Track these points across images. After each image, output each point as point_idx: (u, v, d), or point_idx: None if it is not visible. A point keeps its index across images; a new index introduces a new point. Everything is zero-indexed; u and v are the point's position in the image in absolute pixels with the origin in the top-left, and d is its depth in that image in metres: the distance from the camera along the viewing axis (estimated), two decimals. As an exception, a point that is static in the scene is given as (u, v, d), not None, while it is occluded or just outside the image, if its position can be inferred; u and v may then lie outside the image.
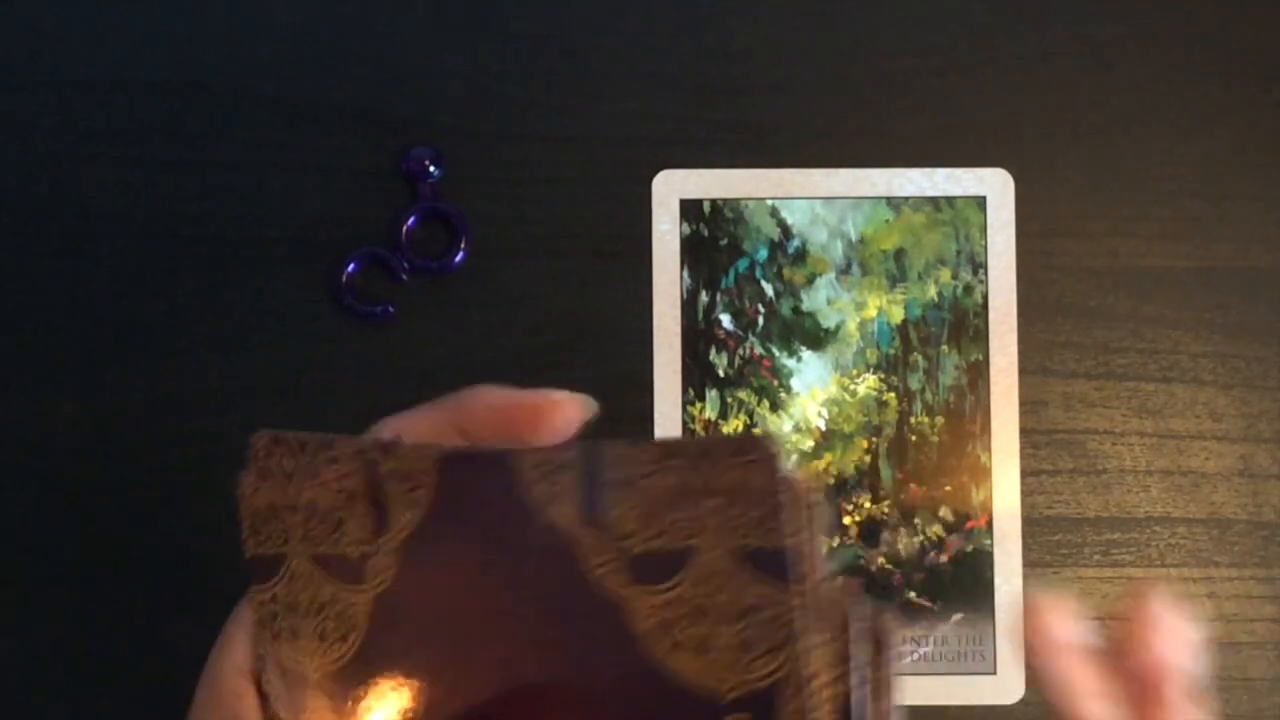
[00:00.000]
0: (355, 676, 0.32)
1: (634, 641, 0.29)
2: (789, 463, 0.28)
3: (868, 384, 0.54)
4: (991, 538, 0.54)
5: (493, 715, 0.31)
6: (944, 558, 0.54)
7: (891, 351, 0.54)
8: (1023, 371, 0.54)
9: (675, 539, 0.29)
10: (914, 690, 0.53)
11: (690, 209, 0.55)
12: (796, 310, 0.55)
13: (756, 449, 0.28)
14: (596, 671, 0.30)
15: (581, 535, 0.30)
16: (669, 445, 0.30)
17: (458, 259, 0.54)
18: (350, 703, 0.32)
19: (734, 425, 0.54)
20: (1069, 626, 0.34)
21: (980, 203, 0.55)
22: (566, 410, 0.33)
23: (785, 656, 0.28)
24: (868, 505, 0.54)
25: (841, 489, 0.54)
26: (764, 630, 0.28)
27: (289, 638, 0.33)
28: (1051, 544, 0.54)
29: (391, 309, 0.54)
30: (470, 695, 0.31)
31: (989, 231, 0.55)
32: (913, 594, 0.54)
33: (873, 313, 0.55)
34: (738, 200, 0.55)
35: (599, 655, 0.30)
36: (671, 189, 0.55)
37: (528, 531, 0.30)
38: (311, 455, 0.33)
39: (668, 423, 0.54)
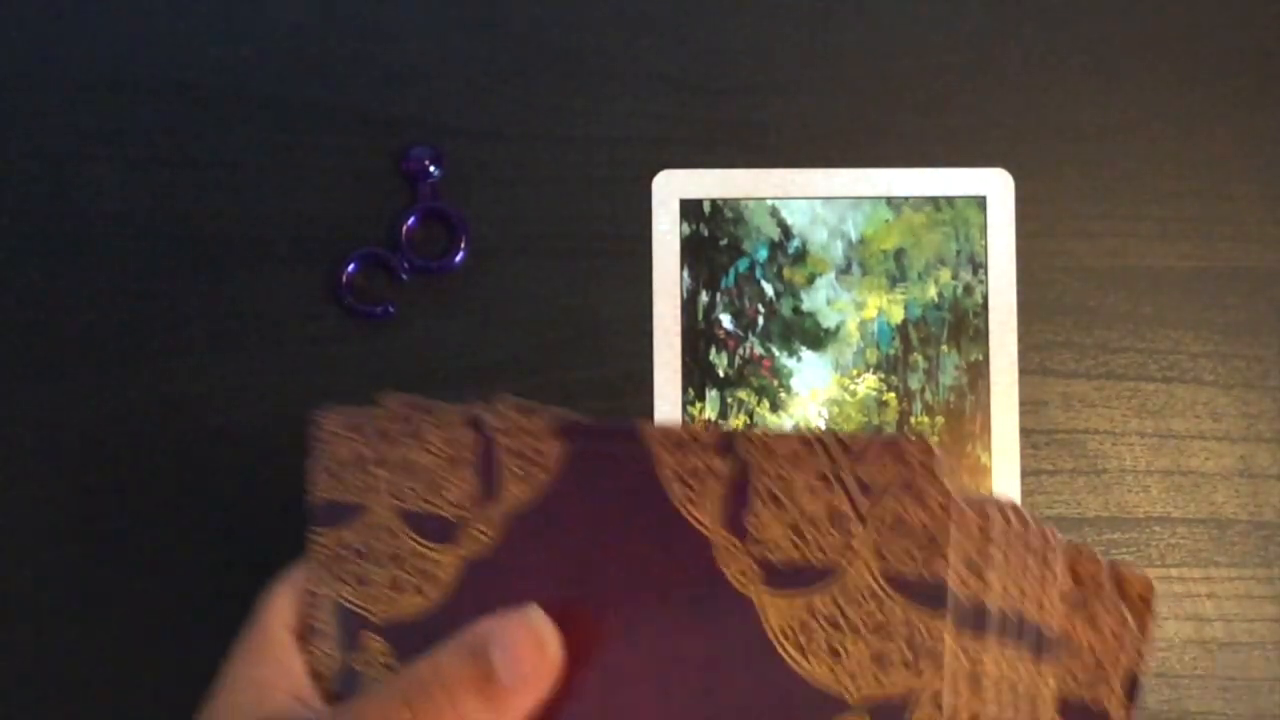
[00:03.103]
0: (435, 630, 0.33)
1: (761, 638, 0.30)
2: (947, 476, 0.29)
3: (868, 384, 0.54)
4: (991, 538, 0.54)
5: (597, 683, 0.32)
6: (944, 558, 0.54)
7: (891, 351, 0.54)
8: (1023, 371, 0.54)
9: (822, 558, 0.30)
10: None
11: (690, 209, 0.55)
12: (796, 310, 0.55)
13: (922, 484, 0.29)
14: (719, 658, 0.31)
15: (722, 538, 0.31)
16: (821, 455, 0.30)
17: (458, 259, 0.54)
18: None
19: (734, 425, 0.54)
20: None
21: (980, 203, 0.55)
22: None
23: (927, 674, 0.29)
24: (868, 505, 0.54)
25: (841, 489, 0.54)
26: (905, 648, 0.29)
27: (354, 581, 0.35)
28: (1051, 544, 0.54)
29: (391, 309, 0.54)
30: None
31: (989, 231, 0.55)
32: (913, 594, 0.54)
33: (873, 313, 0.55)
34: (738, 200, 0.55)
35: (724, 644, 0.31)
36: (671, 189, 0.55)
37: (661, 524, 0.31)
38: (415, 418, 0.35)
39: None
